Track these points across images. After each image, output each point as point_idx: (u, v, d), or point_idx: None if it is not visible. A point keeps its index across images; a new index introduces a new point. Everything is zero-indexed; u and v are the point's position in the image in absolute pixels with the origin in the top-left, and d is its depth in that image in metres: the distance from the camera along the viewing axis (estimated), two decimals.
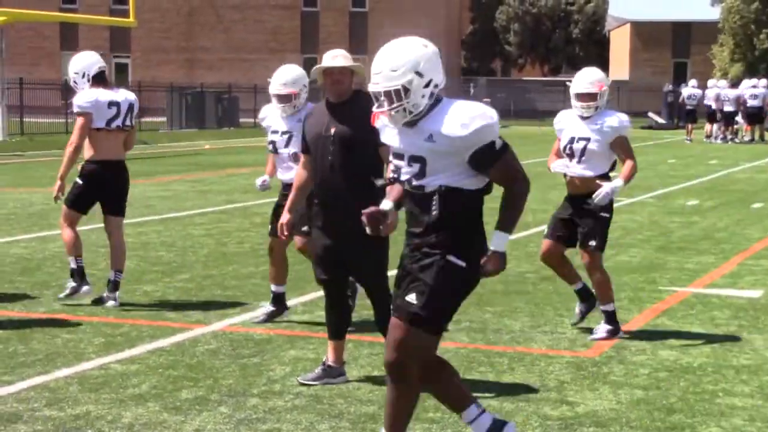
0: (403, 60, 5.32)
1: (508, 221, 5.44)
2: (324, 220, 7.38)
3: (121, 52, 66.48)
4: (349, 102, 7.32)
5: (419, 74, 5.30)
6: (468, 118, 5.28)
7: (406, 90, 5.30)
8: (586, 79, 8.92)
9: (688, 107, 43.44)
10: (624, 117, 8.99)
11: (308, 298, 10.31)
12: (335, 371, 7.48)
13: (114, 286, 10.08)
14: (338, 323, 7.56)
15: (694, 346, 8.69)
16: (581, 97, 8.89)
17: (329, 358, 7.52)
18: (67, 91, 50.49)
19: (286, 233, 7.78)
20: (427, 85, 5.33)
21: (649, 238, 14.91)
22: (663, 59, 69.21)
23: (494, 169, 5.35)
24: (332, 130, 7.27)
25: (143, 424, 6.55)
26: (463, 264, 5.45)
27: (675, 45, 69.60)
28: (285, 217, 7.75)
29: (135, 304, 10.12)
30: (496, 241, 5.41)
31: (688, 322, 9.59)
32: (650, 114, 56.04)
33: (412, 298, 5.43)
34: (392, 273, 6.03)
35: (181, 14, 66.61)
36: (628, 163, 8.89)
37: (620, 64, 72.63)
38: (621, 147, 8.92)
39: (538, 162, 29.35)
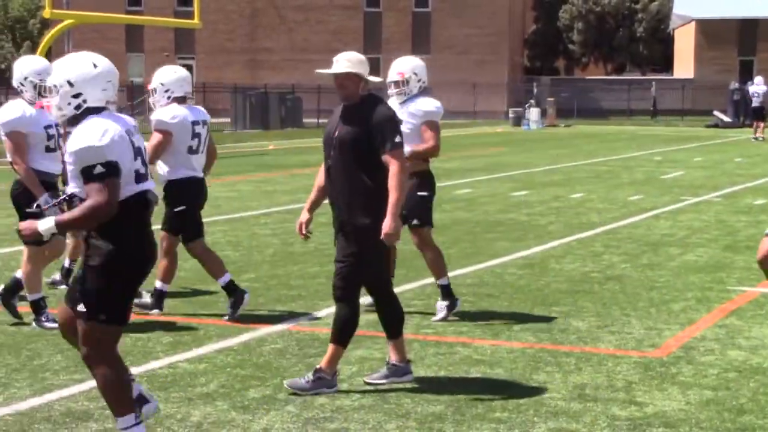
0: (63, 67, 5.87)
1: (65, 216, 5.76)
2: (334, 222, 7.42)
3: (186, 53, 67.06)
4: (357, 105, 7.29)
5: (70, 84, 5.82)
6: (77, 137, 5.72)
7: (57, 91, 5.87)
8: (392, 68, 9.48)
9: (755, 105, 42.99)
10: (436, 103, 9.48)
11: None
12: (401, 370, 7.47)
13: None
14: (387, 323, 7.53)
15: (764, 346, 8.60)
16: (389, 84, 9.47)
17: (391, 357, 7.51)
18: (133, 92, 51.15)
19: (304, 231, 7.79)
20: (75, 96, 5.82)
21: (716, 237, 14.77)
22: (728, 57, 68.45)
23: (87, 188, 5.70)
24: (336, 133, 7.28)
25: (212, 422, 6.60)
26: (114, 262, 5.78)
27: (741, 42, 68.79)
28: (304, 216, 7.77)
29: (202, 303, 10.21)
30: (43, 220, 5.79)
31: (757, 322, 9.49)
32: (716, 112, 55.53)
33: (78, 297, 5.87)
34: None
35: (244, 15, 67.06)
36: (428, 142, 9.29)
37: (685, 63, 71.96)
38: (427, 126, 9.34)
39: (601, 161, 29.20)
